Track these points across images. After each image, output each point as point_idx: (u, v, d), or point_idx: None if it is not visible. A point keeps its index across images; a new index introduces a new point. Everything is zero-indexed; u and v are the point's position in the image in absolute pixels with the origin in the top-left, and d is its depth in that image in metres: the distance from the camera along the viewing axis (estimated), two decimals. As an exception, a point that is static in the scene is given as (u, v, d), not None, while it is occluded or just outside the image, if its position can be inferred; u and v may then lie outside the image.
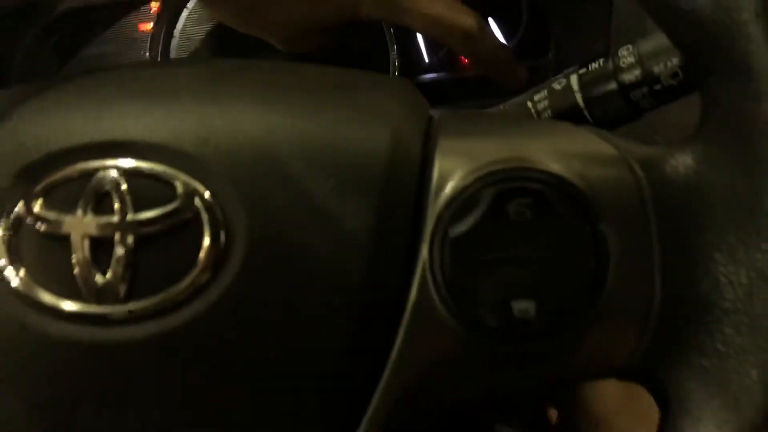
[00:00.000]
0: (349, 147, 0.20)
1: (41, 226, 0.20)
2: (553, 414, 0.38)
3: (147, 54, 0.48)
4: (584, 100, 0.29)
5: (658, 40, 0.27)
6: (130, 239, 0.19)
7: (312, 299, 0.19)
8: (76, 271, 0.19)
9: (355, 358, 0.20)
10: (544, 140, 0.21)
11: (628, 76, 0.28)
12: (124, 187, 0.19)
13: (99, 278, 0.19)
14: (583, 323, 0.19)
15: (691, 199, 0.20)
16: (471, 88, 0.46)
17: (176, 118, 0.20)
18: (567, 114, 0.29)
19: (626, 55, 0.28)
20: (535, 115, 0.30)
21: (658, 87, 0.27)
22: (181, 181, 0.19)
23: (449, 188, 0.20)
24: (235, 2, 0.33)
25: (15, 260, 0.20)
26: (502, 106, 0.31)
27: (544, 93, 0.30)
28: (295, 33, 0.35)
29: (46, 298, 0.19)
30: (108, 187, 0.19)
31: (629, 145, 0.21)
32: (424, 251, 0.20)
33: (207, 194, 0.19)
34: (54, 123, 0.20)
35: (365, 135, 0.20)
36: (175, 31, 0.47)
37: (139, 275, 0.19)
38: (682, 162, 0.20)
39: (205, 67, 0.23)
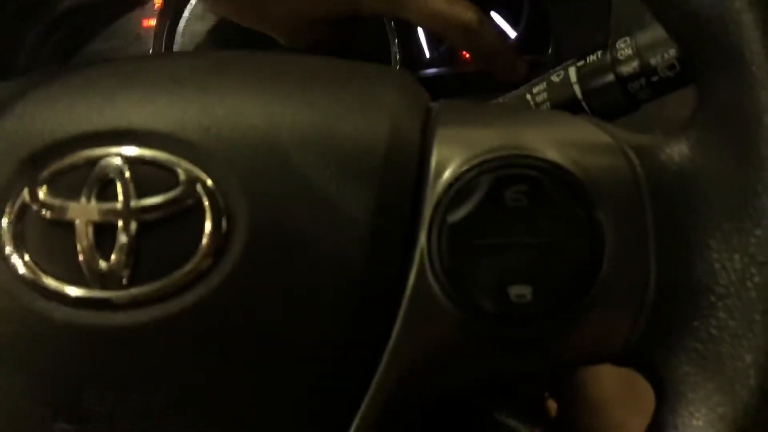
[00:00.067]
0: (349, 135, 0.20)
1: (46, 213, 0.20)
2: (551, 406, 0.39)
3: (150, 50, 0.48)
4: (582, 92, 0.29)
5: (656, 32, 0.27)
6: (133, 225, 0.19)
7: (312, 285, 0.20)
8: (80, 257, 0.20)
9: (354, 343, 0.20)
10: (541, 129, 0.21)
11: (626, 68, 0.28)
12: (127, 174, 0.20)
13: (103, 264, 0.19)
14: (579, 308, 0.20)
15: (686, 186, 0.20)
16: (472, 83, 0.46)
17: (179, 107, 0.21)
18: (565, 106, 0.29)
19: (624, 47, 0.28)
20: (534, 108, 0.30)
21: (655, 78, 0.27)
22: (183, 168, 0.20)
23: (447, 175, 0.20)
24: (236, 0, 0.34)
25: (20, 247, 0.20)
26: (501, 99, 0.31)
27: (543, 85, 0.30)
28: (297, 27, 0.36)
29: (51, 283, 0.20)
30: (112, 175, 0.20)
31: (625, 133, 0.22)
32: (423, 238, 0.20)
33: (209, 182, 0.20)
34: (59, 112, 0.21)
35: (364, 123, 0.21)
36: (178, 27, 0.47)
37: (142, 261, 0.19)
38: (677, 150, 0.20)
39: (207, 58, 0.23)
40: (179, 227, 0.20)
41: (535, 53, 0.46)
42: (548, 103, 0.30)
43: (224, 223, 0.20)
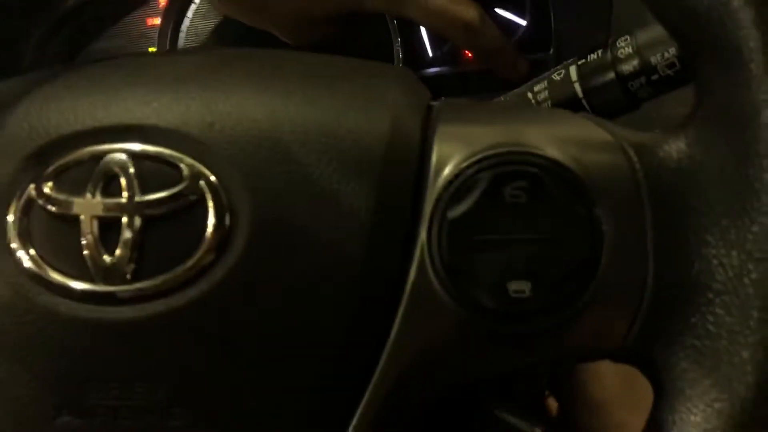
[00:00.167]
0: (350, 131, 0.21)
1: (51, 208, 0.20)
2: (552, 405, 0.39)
3: (155, 48, 0.48)
4: (583, 90, 0.29)
5: (656, 30, 0.28)
6: (137, 221, 0.20)
7: (312, 280, 0.20)
8: (85, 251, 0.20)
9: (355, 339, 0.20)
10: (541, 126, 0.22)
11: (626, 67, 0.28)
12: (131, 170, 0.20)
13: (107, 258, 0.20)
14: (577, 304, 0.20)
15: (684, 183, 0.20)
16: (474, 82, 0.47)
17: (182, 104, 0.21)
18: (566, 104, 0.30)
19: (624, 46, 0.28)
20: (534, 105, 0.30)
21: (655, 77, 0.28)
22: (186, 164, 0.20)
23: (447, 171, 0.20)
24: None
25: (26, 241, 0.20)
26: (502, 98, 0.31)
27: (544, 84, 0.30)
28: (300, 24, 0.36)
29: (56, 277, 0.20)
30: (116, 170, 0.20)
31: (624, 131, 0.22)
32: (423, 233, 0.20)
33: (212, 177, 0.20)
34: (64, 108, 0.21)
35: (365, 119, 0.21)
36: (182, 25, 0.48)
37: (146, 256, 0.20)
38: (676, 147, 0.20)
39: (210, 55, 0.24)
40: (182, 222, 0.20)
41: (537, 52, 0.47)
42: (549, 102, 0.30)
43: (227, 219, 0.20)
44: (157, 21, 0.50)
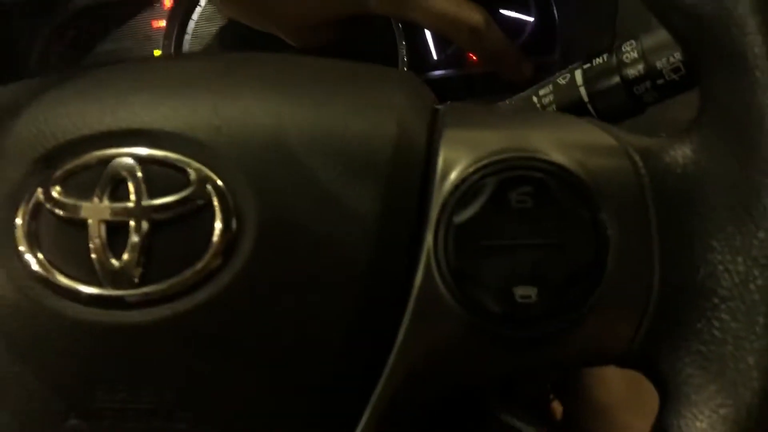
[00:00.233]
0: (356, 135, 0.21)
1: (59, 212, 0.20)
2: (557, 408, 0.39)
3: (160, 51, 0.49)
4: (588, 94, 0.29)
5: (661, 35, 0.28)
6: (144, 225, 0.20)
7: (319, 283, 0.20)
8: (92, 255, 0.20)
9: (361, 341, 0.20)
10: (546, 131, 0.22)
11: (632, 71, 0.28)
12: (139, 174, 0.20)
13: (115, 262, 0.20)
14: (583, 309, 0.20)
15: (690, 189, 0.20)
16: (478, 85, 0.47)
17: (189, 108, 0.21)
18: (571, 108, 0.30)
19: (629, 50, 0.28)
20: (539, 109, 0.30)
21: (660, 81, 0.28)
22: (194, 168, 0.20)
23: (453, 176, 0.20)
24: (245, 1, 0.34)
25: (33, 245, 0.20)
26: (507, 101, 0.32)
27: (549, 88, 0.30)
28: (305, 28, 0.36)
29: (64, 281, 0.20)
30: (124, 174, 0.20)
31: (629, 136, 0.22)
32: (429, 237, 0.20)
33: (219, 181, 0.20)
34: (71, 112, 0.21)
35: (372, 124, 0.21)
36: (188, 28, 0.48)
37: (154, 260, 0.20)
38: (681, 152, 0.20)
39: (216, 59, 0.24)
40: (190, 226, 0.20)
41: (542, 56, 0.47)
42: (554, 105, 0.30)
43: (234, 223, 0.20)
44: (163, 23, 0.50)
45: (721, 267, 0.19)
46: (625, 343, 0.20)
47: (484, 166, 0.20)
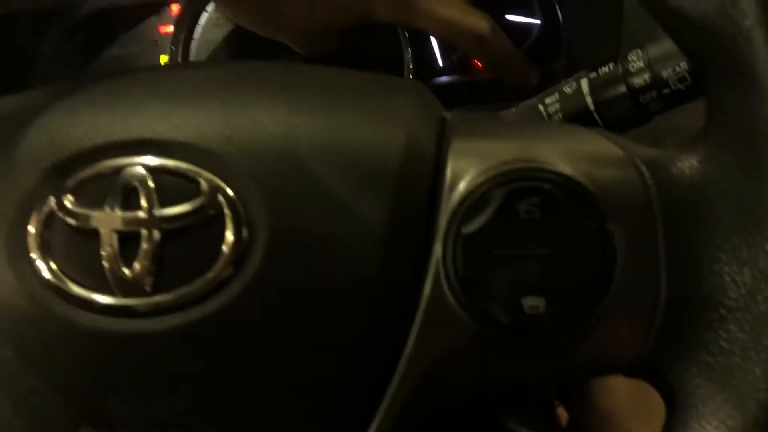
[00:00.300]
0: (366, 146, 0.21)
1: (71, 221, 0.20)
2: (562, 414, 0.39)
3: (168, 56, 0.49)
4: (594, 103, 0.29)
5: (667, 44, 0.28)
6: (156, 234, 0.20)
7: (329, 292, 0.20)
8: (104, 264, 0.20)
9: (371, 350, 0.20)
10: (554, 141, 0.22)
11: (638, 80, 0.28)
12: (150, 183, 0.20)
13: (126, 271, 0.20)
14: (591, 320, 0.20)
15: (696, 200, 0.20)
16: (484, 91, 0.47)
17: (201, 118, 0.21)
18: (578, 117, 0.30)
19: (635, 60, 0.28)
20: (546, 118, 0.30)
21: (666, 91, 0.28)
22: (205, 178, 0.20)
23: (462, 187, 0.21)
24: (251, 7, 0.34)
25: (45, 253, 0.21)
26: (513, 110, 0.32)
27: (555, 96, 0.30)
28: (311, 35, 0.36)
29: (76, 290, 0.20)
30: (135, 184, 0.20)
31: (636, 146, 0.22)
32: (438, 248, 0.20)
33: (230, 191, 0.20)
34: (84, 122, 0.21)
35: (381, 134, 0.21)
36: (195, 33, 0.48)
37: (165, 269, 0.20)
38: (688, 163, 0.21)
39: (227, 69, 0.24)
40: (201, 236, 0.20)
41: (547, 63, 0.47)
42: (560, 114, 0.30)
43: (245, 233, 0.20)
44: (170, 29, 0.50)
45: (728, 278, 0.19)
46: (633, 353, 0.21)
47: (493, 177, 0.20)
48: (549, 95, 0.31)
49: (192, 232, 0.20)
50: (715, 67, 0.20)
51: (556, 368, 0.21)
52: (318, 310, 0.20)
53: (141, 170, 0.20)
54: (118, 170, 0.21)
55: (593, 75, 0.30)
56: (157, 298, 0.20)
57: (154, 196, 0.20)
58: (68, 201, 0.21)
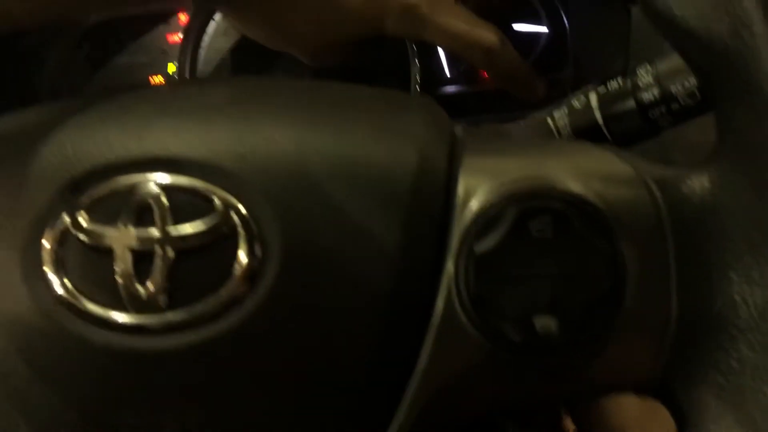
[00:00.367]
0: (378, 164, 0.21)
1: (85, 238, 0.21)
2: (570, 426, 0.39)
3: (176, 64, 0.49)
4: (603, 117, 0.29)
5: (675, 59, 0.28)
6: (170, 252, 0.20)
7: (341, 311, 0.20)
8: (119, 281, 0.20)
9: (382, 368, 0.20)
10: (565, 160, 0.22)
11: (647, 95, 0.28)
12: (164, 201, 0.20)
13: (140, 289, 0.20)
14: (602, 339, 0.20)
15: (707, 220, 0.20)
16: (491, 101, 0.47)
17: (214, 136, 0.21)
18: (586, 131, 0.30)
19: (644, 74, 0.29)
20: (554, 132, 0.31)
21: (675, 106, 0.28)
22: (218, 196, 0.20)
23: (474, 205, 0.21)
24: (261, 20, 0.35)
25: (59, 269, 0.21)
26: (521, 122, 0.32)
27: (564, 110, 0.30)
28: (320, 48, 0.36)
29: (89, 306, 0.20)
30: (149, 201, 0.20)
31: (647, 164, 0.22)
32: (450, 266, 0.20)
33: (243, 209, 0.20)
34: (97, 139, 0.21)
35: (393, 153, 0.21)
36: (202, 42, 0.48)
37: (178, 287, 0.20)
38: (698, 183, 0.21)
39: (239, 86, 0.24)
40: (215, 254, 0.20)
41: (554, 72, 0.47)
42: (569, 128, 0.30)
43: (258, 250, 0.20)
44: (177, 38, 0.50)
45: (738, 298, 0.19)
46: (644, 372, 0.21)
47: (505, 196, 0.20)
48: (557, 109, 0.31)
49: (205, 249, 0.20)
50: (726, 87, 0.20)
51: (567, 386, 0.21)
52: (330, 328, 0.20)
53: (155, 188, 0.21)
54: (132, 188, 0.21)
55: (602, 89, 0.30)
56: (171, 316, 0.20)
57: (168, 213, 0.20)
58: (82, 218, 0.21)
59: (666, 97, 0.28)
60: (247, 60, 0.49)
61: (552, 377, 0.21)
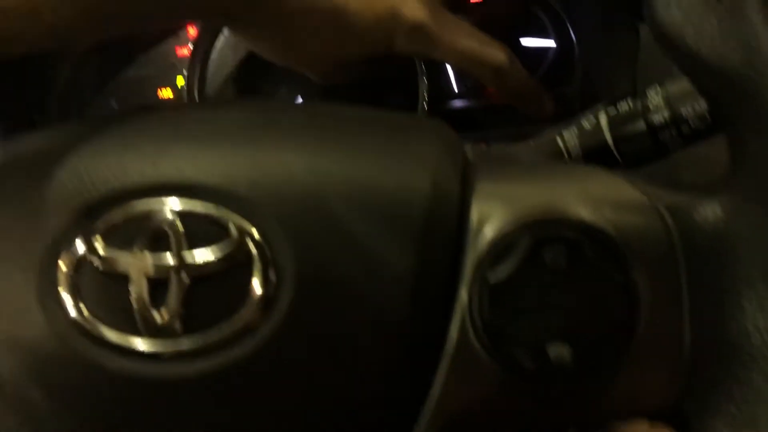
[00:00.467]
0: (391, 190, 0.21)
1: (99, 264, 0.21)
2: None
3: (184, 78, 0.49)
4: (613, 138, 0.30)
5: (686, 82, 0.28)
6: (185, 278, 0.20)
7: (355, 338, 0.20)
8: (133, 307, 0.20)
9: (397, 395, 0.20)
10: (576, 186, 0.22)
11: (657, 117, 0.28)
12: (179, 227, 0.20)
13: (155, 315, 0.20)
14: (616, 367, 0.20)
15: (720, 248, 0.20)
16: (499, 116, 0.47)
17: (229, 161, 0.21)
18: (596, 152, 0.30)
19: (654, 96, 0.29)
20: (564, 152, 0.31)
21: (686, 129, 0.28)
22: (234, 222, 0.20)
23: (488, 233, 0.21)
24: (271, 39, 0.35)
25: (75, 295, 0.21)
26: (531, 143, 0.32)
27: (574, 131, 0.31)
28: (330, 66, 0.36)
29: (104, 332, 0.20)
30: (165, 228, 0.21)
31: (658, 190, 0.22)
32: (464, 294, 0.20)
33: (257, 235, 0.20)
34: (112, 164, 0.22)
35: (406, 179, 0.21)
36: (211, 56, 0.49)
37: (193, 313, 0.20)
38: (711, 211, 0.21)
39: (253, 110, 0.24)
40: (229, 280, 0.20)
41: (561, 86, 0.47)
42: (579, 149, 0.30)
43: (273, 276, 0.20)
44: (187, 51, 0.50)
45: (751, 327, 0.19)
46: (657, 399, 0.21)
47: (519, 226, 0.21)
48: (567, 129, 0.31)
49: (220, 275, 0.20)
50: (738, 114, 0.20)
51: (580, 414, 0.21)
52: (344, 355, 0.20)
53: (170, 214, 0.21)
54: (147, 213, 0.21)
55: (612, 110, 0.30)
56: (185, 342, 0.20)
57: (183, 239, 0.20)
58: (98, 243, 0.21)
59: (676, 120, 0.28)
60: (255, 74, 0.49)
61: (565, 404, 0.21)
